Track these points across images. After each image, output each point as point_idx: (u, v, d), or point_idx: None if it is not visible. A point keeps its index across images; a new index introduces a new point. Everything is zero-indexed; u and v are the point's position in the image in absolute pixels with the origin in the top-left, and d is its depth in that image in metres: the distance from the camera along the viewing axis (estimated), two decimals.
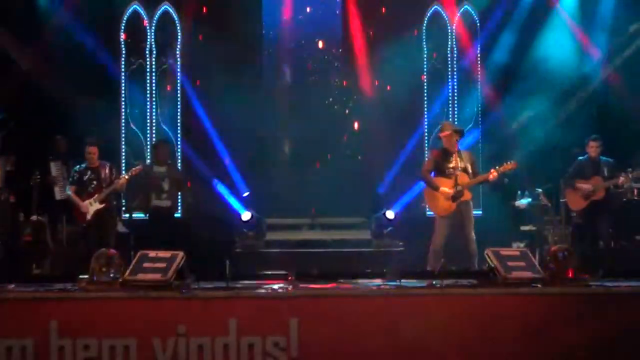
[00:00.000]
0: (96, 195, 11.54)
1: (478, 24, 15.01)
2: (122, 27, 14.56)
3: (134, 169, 11.93)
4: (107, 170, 11.69)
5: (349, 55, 14.98)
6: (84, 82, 13.61)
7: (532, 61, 14.35)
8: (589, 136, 12.05)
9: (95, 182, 11.60)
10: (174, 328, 7.54)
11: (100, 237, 11.39)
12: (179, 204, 13.31)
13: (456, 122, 14.29)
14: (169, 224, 12.10)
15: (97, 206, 11.55)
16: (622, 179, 11.69)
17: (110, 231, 11.73)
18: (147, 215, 12.29)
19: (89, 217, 11.56)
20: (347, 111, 15.00)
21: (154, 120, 14.61)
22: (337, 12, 15.02)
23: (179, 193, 12.80)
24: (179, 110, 14.76)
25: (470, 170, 10.80)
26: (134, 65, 14.63)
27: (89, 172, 11.67)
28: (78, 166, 11.79)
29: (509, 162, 10.76)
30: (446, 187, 10.73)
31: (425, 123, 14.99)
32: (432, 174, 10.99)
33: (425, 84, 15.10)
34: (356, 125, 14.96)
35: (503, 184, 12.15)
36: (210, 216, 13.54)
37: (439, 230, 10.78)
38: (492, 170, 10.71)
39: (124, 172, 12.87)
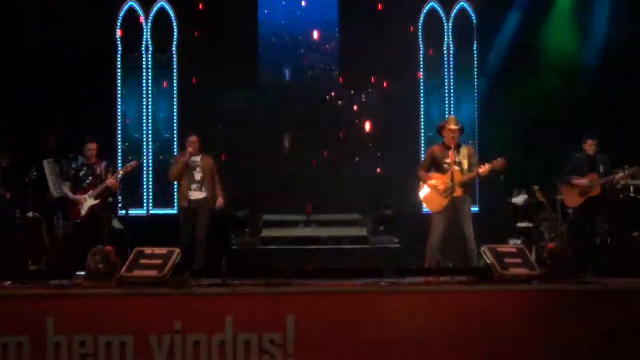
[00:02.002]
0: (91, 191, 11.54)
1: (474, 20, 15.01)
2: (119, 24, 14.55)
3: (128, 165, 11.95)
4: (102, 168, 11.69)
5: (345, 52, 14.96)
6: (80, 79, 13.59)
7: (529, 57, 14.34)
8: (586, 133, 12.04)
9: (90, 178, 11.61)
10: (171, 325, 7.54)
11: (95, 233, 11.38)
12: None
13: None
14: (202, 217, 11.96)
15: (92, 202, 11.54)
16: (618, 175, 11.69)
17: (105, 228, 11.68)
18: (180, 208, 12.22)
19: (83, 212, 11.56)
20: (343, 108, 14.97)
21: (150, 118, 14.60)
22: (334, 7, 14.99)
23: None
24: (175, 107, 14.74)
25: (465, 167, 10.78)
26: (130, 63, 14.62)
27: (85, 169, 11.68)
28: (75, 162, 11.79)
29: (498, 159, 10.75)
30: (438, 182, 10.76)
31: (422, 119, 14.99)
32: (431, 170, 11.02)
33: (421, 80, 15.10)
34: (353, 122, 14.93)
35: (499, 181, 12.13)
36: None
37: (436, 227, 10.77)
38: (481, 166, 10.71)
39: (120, 169, 12.87)
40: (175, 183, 12.67)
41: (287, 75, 14.92)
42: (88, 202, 11.51)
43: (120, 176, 11.83)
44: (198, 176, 11.95)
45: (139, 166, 12.45)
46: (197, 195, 11.95)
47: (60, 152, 12.80)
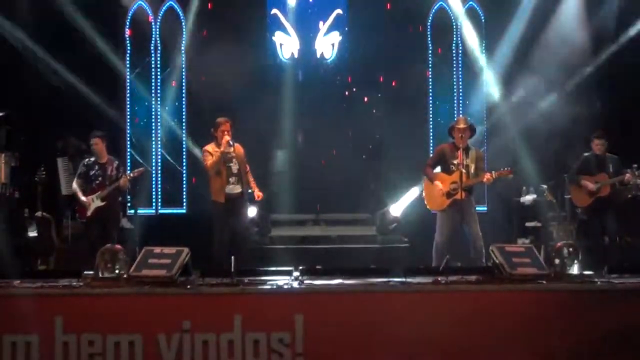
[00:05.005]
0: (98, 192, 11.42)
1: (483, 20, 14.99)
2: (127, 23, 14.57)
3: (136, 170, 11.75)
4: (113, 168, 11.56)
5: (353, 51, 14.96)
6: (88, 78, 13.63)
7: (538, 57, 14.30)
8: (593, 133, 12.01)
9: (100, 179, 11.49)
10: (179, 324, 7.55)
11: (101, 234, 11.20)
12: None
13: None
14: (241, 213, 11.20)
15: (98, 203, 11.40)
16: (627, 175, 11.64)
17: (112, 229, 11.50)
18: (215, 203, 11.02)
19: (88, 213, 11.47)
20: (352, 107, 14.96)
21: (159, 117, 14.61)
22: (343, 6, 15.01)
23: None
24: (184, 106, 14.76)
25: (472, 170, 10.79)
26: (139, 61, 14.63)
27: (96, 167, 11.54)
28: (87, 159, 11.66)
29: (506, 169, 10.76)
30: (442, 183, 10.78)
31: (430, 119, 14.99)
32: (439, 168, 11.03)
33: (430, 80, 15.09)
34: (361, 121, 14.91)
35: (508, 180, 12.09)
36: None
37: (440, 225, 10.82)
38: (487, 174, 10.71)
39: (129, 169, 12.88)
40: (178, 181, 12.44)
41: (296, 74, 14.93)
42: (94, 203, 11.40)
43: (129, 178, 11.57)
44: (235, 168, 11.05)
45: (145, 172, 12.24)
46: (235, 189, 11.03)
47: (77, 151, 12.83)
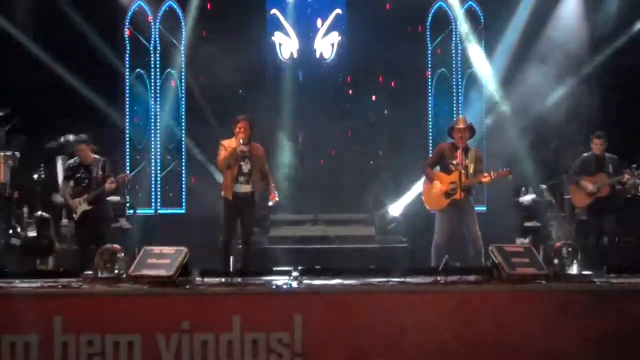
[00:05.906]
0: (85, 195, 11.06)
1: (482, 20, 14.99)
2: (127, 23, 14.56)
3: (119, 176, 11.34)
4: (99, 169, 11.15)
5: (353, 51, 14.96)
6: (88, 78, 13.62)
7: (537, 56, 14.30)
8: (593, 133, 12.00)
9: (86, 181, 11.12)
10: (178, 324, 7.54)
11: (92, 236, 10.95)
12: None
13: None
14: (249, 213, 10.90)
15: (85, 207, 11.07)
16: (627, 175, 11.64)
17: (103, 231, 11.19)
18: (224, 200, 10.81)
19: (75, 217, 11.19)
20: (351, 107, 14.96)
21: (158, 116, 14.61)
22: (342, 6, 15.01)
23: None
24: (183, 106, 14.76)
25: (471, 170, 10.78)
26: (139, 61, 14.63)
27: (81, 170, 11.19)
28: (72, 162, 11.31)
29: (504, 169, 10.76)
30: (441, 183, 10.77)
31: (430, 119, 14.99)
32: (437, 168, 11.03)
33: (429, 80, 15.09)
34: (361, 121, 14.92)
35: (507, 180, 12.11)
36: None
37: (439, 225, 10.81)
38: (485, 174, 10.71)
39: (128, 169, 12.86)
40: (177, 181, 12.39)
41: (296, 74, 14.93)
42: (81, 206, 11.06)
43: (115, 181, 11.16)
44: (245, 168, 10.73)
45: (128, 180, 12.07)
46: (243, 188, 10.73)
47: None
